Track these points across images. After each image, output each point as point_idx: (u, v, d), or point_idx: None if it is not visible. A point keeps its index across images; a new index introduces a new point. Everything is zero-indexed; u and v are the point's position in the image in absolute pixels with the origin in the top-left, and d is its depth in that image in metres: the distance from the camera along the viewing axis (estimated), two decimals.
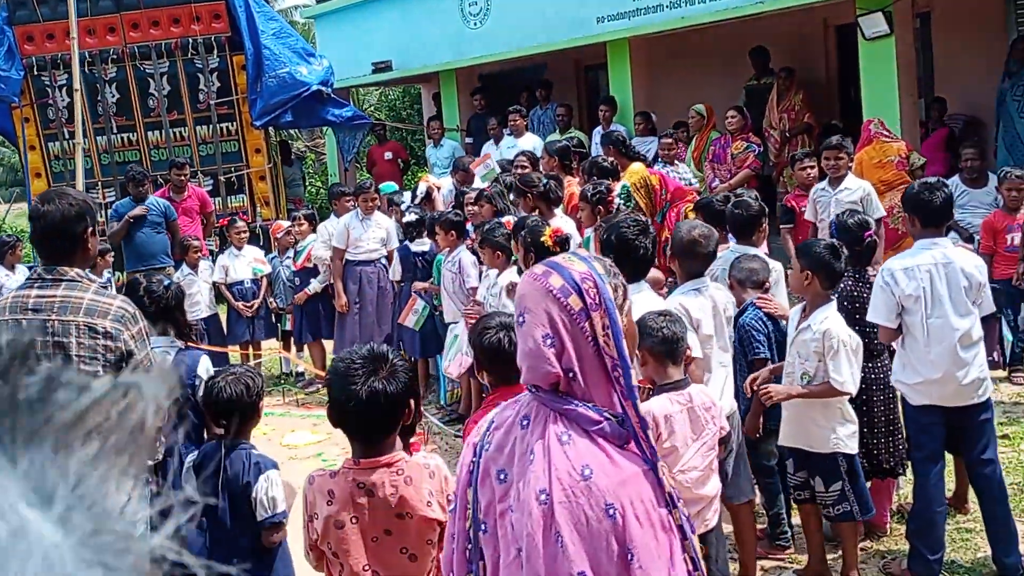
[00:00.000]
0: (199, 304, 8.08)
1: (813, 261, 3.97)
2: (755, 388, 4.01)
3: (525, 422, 1.83)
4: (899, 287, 3.92)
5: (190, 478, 3.41)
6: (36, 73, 10.84)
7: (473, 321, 4.39)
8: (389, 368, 2.38)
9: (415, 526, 2.46)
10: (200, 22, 10.86)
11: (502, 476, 1.83)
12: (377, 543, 2.46)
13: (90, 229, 3.09)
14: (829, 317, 3.91)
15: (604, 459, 1.76)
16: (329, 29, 14.57)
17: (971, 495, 4.40)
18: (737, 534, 4.11)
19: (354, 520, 2.44)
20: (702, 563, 1.91)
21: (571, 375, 1.78)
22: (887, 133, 7.56)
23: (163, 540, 0.52)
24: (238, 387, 3.37)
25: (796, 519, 4.46)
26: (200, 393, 3.60)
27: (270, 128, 11.53)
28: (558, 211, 6.48)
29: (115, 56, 10.86)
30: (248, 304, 8.38)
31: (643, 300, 3.54)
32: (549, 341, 1.77)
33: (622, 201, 6.40)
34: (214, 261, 8.74)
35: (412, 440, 2.97)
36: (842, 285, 4.33)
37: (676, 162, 8.28)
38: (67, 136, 10.34)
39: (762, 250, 4.99)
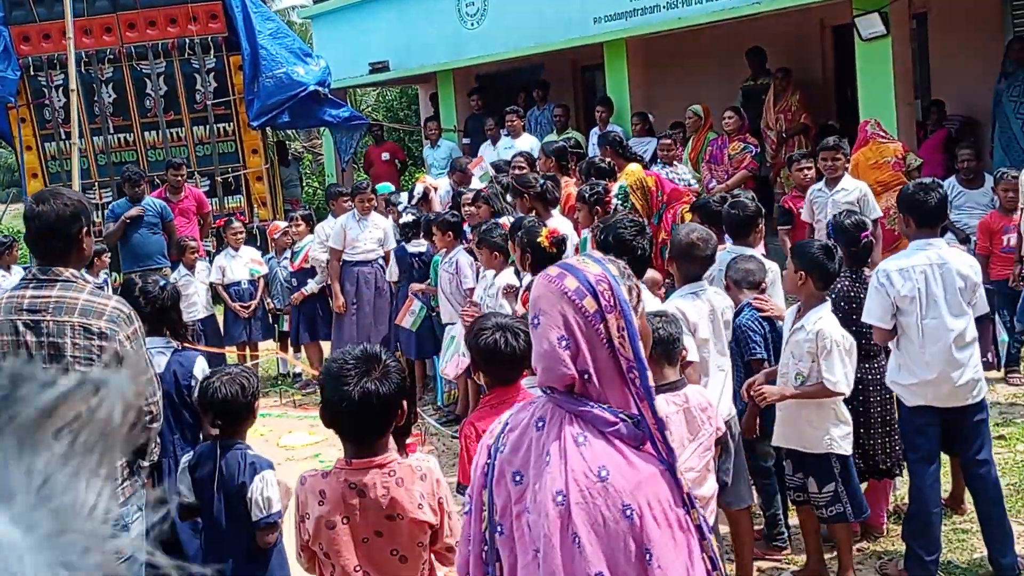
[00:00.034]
0: (196, 305, 8.07)
1: (807, 261, 3.98)
2: (751, 393, 4.02)
3: (540, 424, 1.83)
4: (894, 288, 3.92)
5: (185, 479, 3.40)
6: (32, 73, 10.82)
7: (470, 322, 4.39)
8: (382, 369, 2.38)
9: (406, 528, 2.46)
10: (197, 22, 10.85)
11: (518, 478, 1.83)
12: (368, 544, 2.46)
13: (85, 229, 3.08)
14: (823, 317, 3.92)
15: (620, 460, 1.76)
16: (326, 29, 14.56)
17: (967, 496, 4.40)
18: (735, 539, 4.10)
19: (345, 520, 2.44)
20: (720, 563, 1.91)
21: (586, 377, 1.79)
22: (883, 134, 7.57)
23: (134, 540, 0.51)
24: (233, 387, 3.37)
25: (793, 520, 4.46)
26: (195, 393, 3.59)
27: (267, 128, 11.52)
28: (555, 212, 6.48)
29: (112, 56, 10.85)
30: (245, 305, 8.37)
31: None
32: (564, 343, 1.78)
33: (619, 201, 6.41)
34: (211, 262, 8.73)
35: (408, 441, 2.97)
36: (839, 285, 4.33)
37: (675, 163, 8.28)
38: (63, 136, 10.31)
39: (759, 251, 4.99)
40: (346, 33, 13.85)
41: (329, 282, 7.99)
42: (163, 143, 11.05)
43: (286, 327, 8.56)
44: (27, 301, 2.98)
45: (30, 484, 0.49)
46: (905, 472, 4.38)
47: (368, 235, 7.93)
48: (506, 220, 6.18)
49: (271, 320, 8.70)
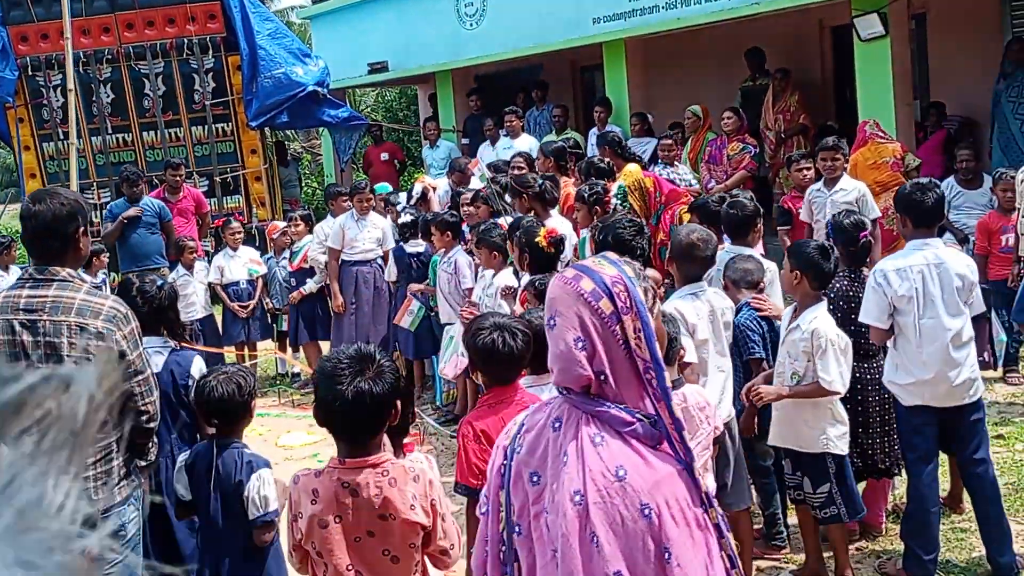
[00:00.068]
0: (195, 305, 8.07)
1: (802, 261, 3.98)
2: (751, 398, 4.02)
3: (557, 424, 1.84)
4: (891, 288, 3.92)
5: (181, 477, 3.40)
6: (30, 73, 10.81)
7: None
8: (375, 368, 2.38)
9: (398, 528, 2.45)
10: (195, 22, 10.84)
11: (535, 478, 1.84)
12: (360, 543, 2.46)
13: (82, 229, 3.07)
14: (818, 317, 3.92)
15: (638, 460, 1.77)
16: (325, 30, 14.56)
17: (965, 495, 4.40)
18: (735, 539, 4.09)
19: (337, 520, 2.44)
20: (739, 560, 1.92)
21: (602, 378, 1.80)
22: (882, 134, 7.57)
23: (102, 539, 0.50)
24: (229, 386, 3.36)
25: (792, 519, 4.45)
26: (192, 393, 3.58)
27: (266, 129, 11.51)
28: (554, 212, 6.48)
29: (110, 56, 10.84)
30: (243, 305, 8.36)
31: None
32: (580, 344, 1.79)
33: (619, 201, 6.40)
34: (209, 262, 8.72)
35: (406, 441, 2.96)
36: (837, 285, 4.33)
37: (676, 163, 8.28)
38: (62, 136, 10.31)
39: (757, 250, 4.99)
40: (345, 33, 13.85)
41: (328, 282, 7.99)
42: (161, 143, 11.04)
43: (285, 327, 8.56)
44: (23, 301, 2.97)
45: None
46: (904, 471, 4.38)
47: (366, 235, 7.92)
48: (504, 220, 6.17)
49: (270, 320, 8.69)
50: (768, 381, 4.07)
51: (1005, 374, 6.51)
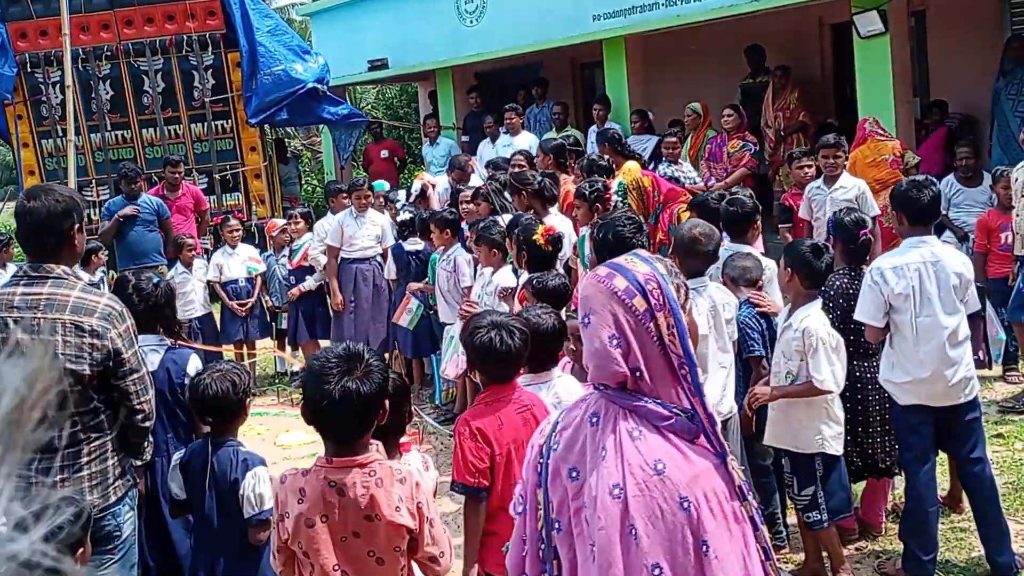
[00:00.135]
0: (193, 303, 8.06)
1: (794, 259, 3.98)
2: (749, 402, 4.01)
3: (594, 419, 1.87)
4: (888, 286, 3.91)
5: (176, 476, 3.38)
6: (29, 70, 10.79)
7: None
8: (364, 368, 2.37)
9: (383, 530, 2.44)
10: (195, 19, 10.83)
11: (574, 474, 1.87)
12: (346, 543, 2.45)
13: (77, 226, 3.05)
14: (810, 315, 3.91)
15: (676, 454, 1.80)
16: (325, 27, 14.54)
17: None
18: None
19: (324, 519, 2.43)
20: (773, 552, 1.94)
21: (638, 374, 1.83)
22: (882, 132, 7.55)
23: (35, 543, 0.48)
24: (224, 384, 3.35)
25: (792, 518, 4.44)
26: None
27: (265, 126, 11.50)
28: (553, 209, 6.46)
29: (109, 53, 10.82)
30: (242, 303, 8.35)
31: None
32: (615, 342, 1.82)
33: (620, 198, 6.38)
34: (208, 260, 8.71)
35: (404, 440, 2.94)
36: (837, 283, 4.32)
37: (679, 161, 8.26)
38: (61, 133, 10.28)
39: (757, 248, 4.98)
40: (345, 31, 13.83)
41: (327, 280, 7.97)
42: (161, 140, 11.02)
43: (284, 325, 8.54)
44: (18, 298, 2.96)
45: None
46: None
47: (365, 232, 7.91)
48: (502, 219, 6.15)
49: (269, 318, 8.68)
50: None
51: (1005, 372, 6.50)
